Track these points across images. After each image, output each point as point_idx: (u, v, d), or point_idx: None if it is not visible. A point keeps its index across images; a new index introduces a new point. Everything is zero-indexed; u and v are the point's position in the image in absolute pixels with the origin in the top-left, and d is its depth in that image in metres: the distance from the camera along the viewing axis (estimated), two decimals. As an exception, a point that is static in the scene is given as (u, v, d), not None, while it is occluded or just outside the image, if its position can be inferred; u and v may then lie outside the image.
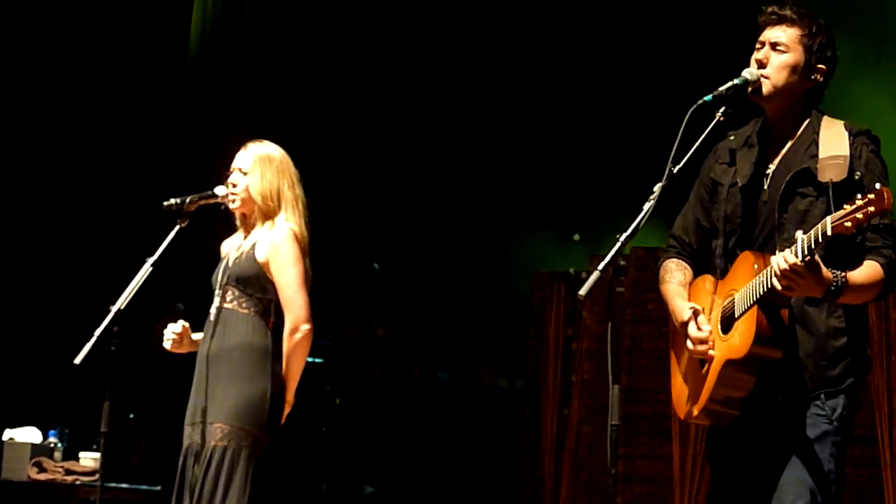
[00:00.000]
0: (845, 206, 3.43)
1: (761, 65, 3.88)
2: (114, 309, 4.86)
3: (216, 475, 4.83)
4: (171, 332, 5.01)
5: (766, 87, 3.86)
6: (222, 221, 5.26)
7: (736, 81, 3.83)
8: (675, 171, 3.70)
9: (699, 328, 3.86)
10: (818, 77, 3.91)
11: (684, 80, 7.74)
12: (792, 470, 3.74)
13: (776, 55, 3.88)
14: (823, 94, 3.97)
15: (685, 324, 3.88)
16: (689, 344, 3.87)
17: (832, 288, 3.60)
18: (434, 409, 9.51)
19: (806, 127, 3.91)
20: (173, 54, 10.56)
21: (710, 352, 3.83)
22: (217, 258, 5.20)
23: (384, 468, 9.31)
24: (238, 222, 5.20)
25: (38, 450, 7.13)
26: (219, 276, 5.06)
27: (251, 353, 4.95)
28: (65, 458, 7.23)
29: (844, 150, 3.78)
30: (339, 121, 10.52)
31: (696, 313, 3.88)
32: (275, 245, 5.01)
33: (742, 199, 3.93)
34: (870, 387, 7.09)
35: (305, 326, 4.96)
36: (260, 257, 5.01)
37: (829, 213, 3.51)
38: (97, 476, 6.52)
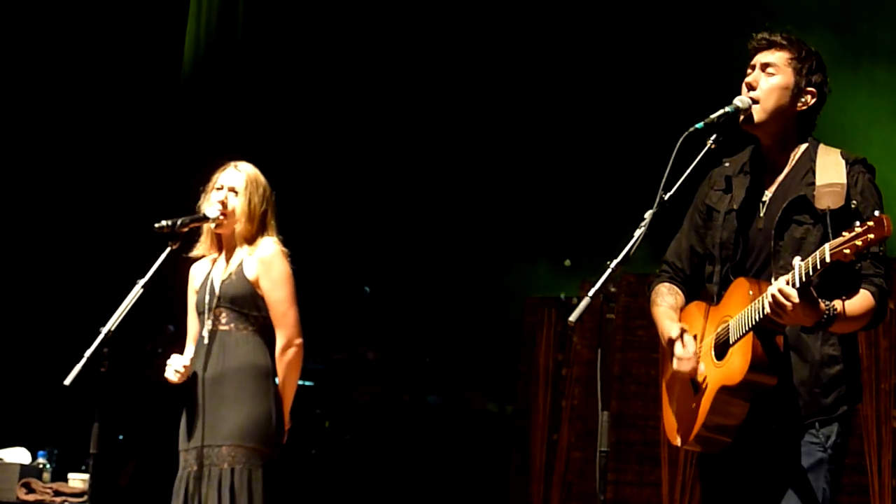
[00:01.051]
0: (844, 234, 3.43)
1: (751, 87, 3.89)
2: (104, 330, 4.84)
3: (232, 497, 4.84)
4: (181, 367, 4.94)
5: (758, 113, 3.87)
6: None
7: (727, 109, 3.84)
8: (666, 198, 3.70)
9: (684, 346, 3.86)
10: (809, 100, 3.92)
11: (675, 108, 7.75)
12: (787, 499, 3.73)
13: (766, 77, 3.89)
14: (815, 121, 3.97)
15: (672, 341, 3.88)
16: (674, 361, 3.87)
17: (824, 318, 3.61)
18: (423, 433, 9.49)
19: (802, 154, 3.91)
20: (166, 75, 10.57)
21: (696, 368, 3.83)
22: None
23: (374, 492, 9.27)
24: (207, 242, 5.21)
25: (26, 471, 7.10)
26: (206, 298, 5.07)
27: (255, 372, 4.97)
28: (53, 479, 7.20)
29: (841, 177, 3.79)
30: (331, 143, 10.53)
31: (683, 332, 3.88)
32: (265, 262, 5.03)
33: (738, 225, 3.94)
34: (859, 415, 7.09)
35: (298, 341, 5.02)
36: (250, 275, 5.02)
37: (825, 240, 3.51)
38: (86, 497, 6.50)
